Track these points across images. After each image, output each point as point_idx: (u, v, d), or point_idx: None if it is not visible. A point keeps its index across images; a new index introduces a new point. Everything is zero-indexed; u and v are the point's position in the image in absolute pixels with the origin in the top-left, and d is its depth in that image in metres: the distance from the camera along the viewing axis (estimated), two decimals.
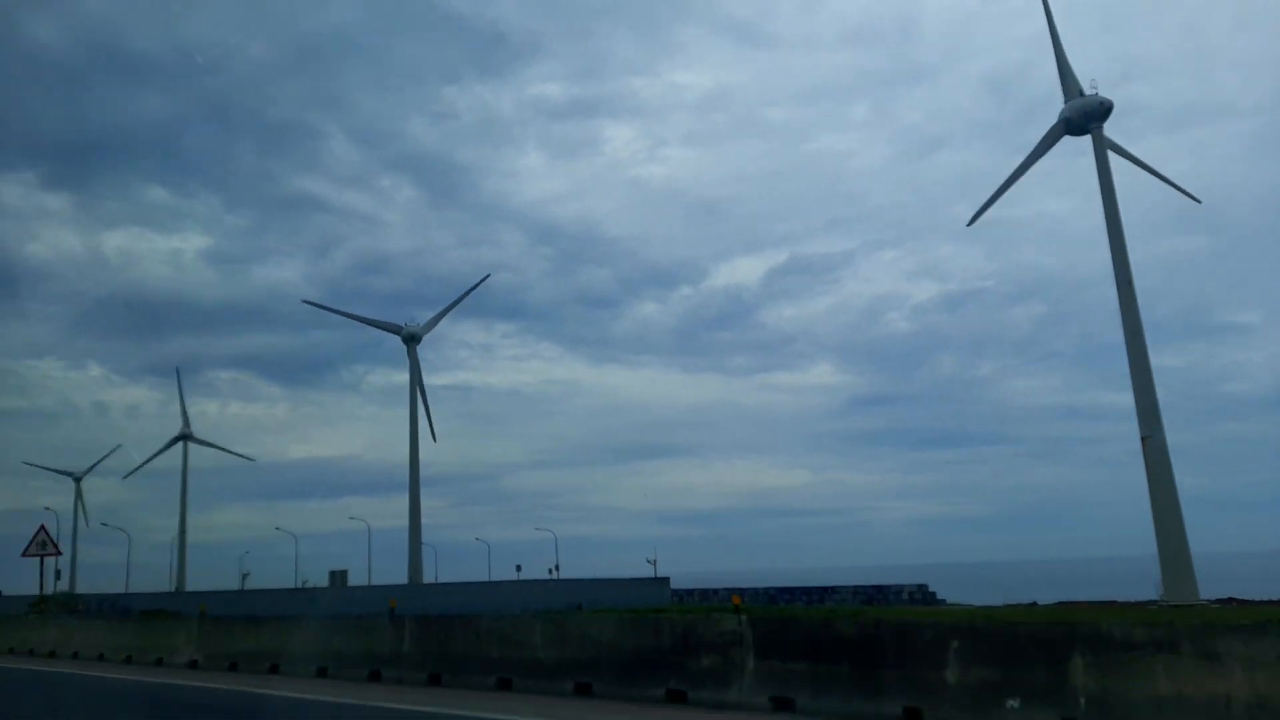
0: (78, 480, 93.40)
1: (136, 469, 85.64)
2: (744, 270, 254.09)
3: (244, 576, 66.50)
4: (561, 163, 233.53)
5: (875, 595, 47.95)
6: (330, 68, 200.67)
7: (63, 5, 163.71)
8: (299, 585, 61.94)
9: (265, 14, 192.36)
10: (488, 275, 73.92)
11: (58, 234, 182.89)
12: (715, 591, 54.13)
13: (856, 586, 50.01)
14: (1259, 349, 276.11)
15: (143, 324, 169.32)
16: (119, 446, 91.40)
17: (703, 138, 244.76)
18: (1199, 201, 51.39)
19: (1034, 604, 39.41)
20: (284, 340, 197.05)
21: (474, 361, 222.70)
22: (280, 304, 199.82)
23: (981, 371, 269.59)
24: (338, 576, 56.70)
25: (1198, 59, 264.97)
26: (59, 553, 32.08)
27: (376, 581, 67.52)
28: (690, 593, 53.43)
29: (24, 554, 28.67)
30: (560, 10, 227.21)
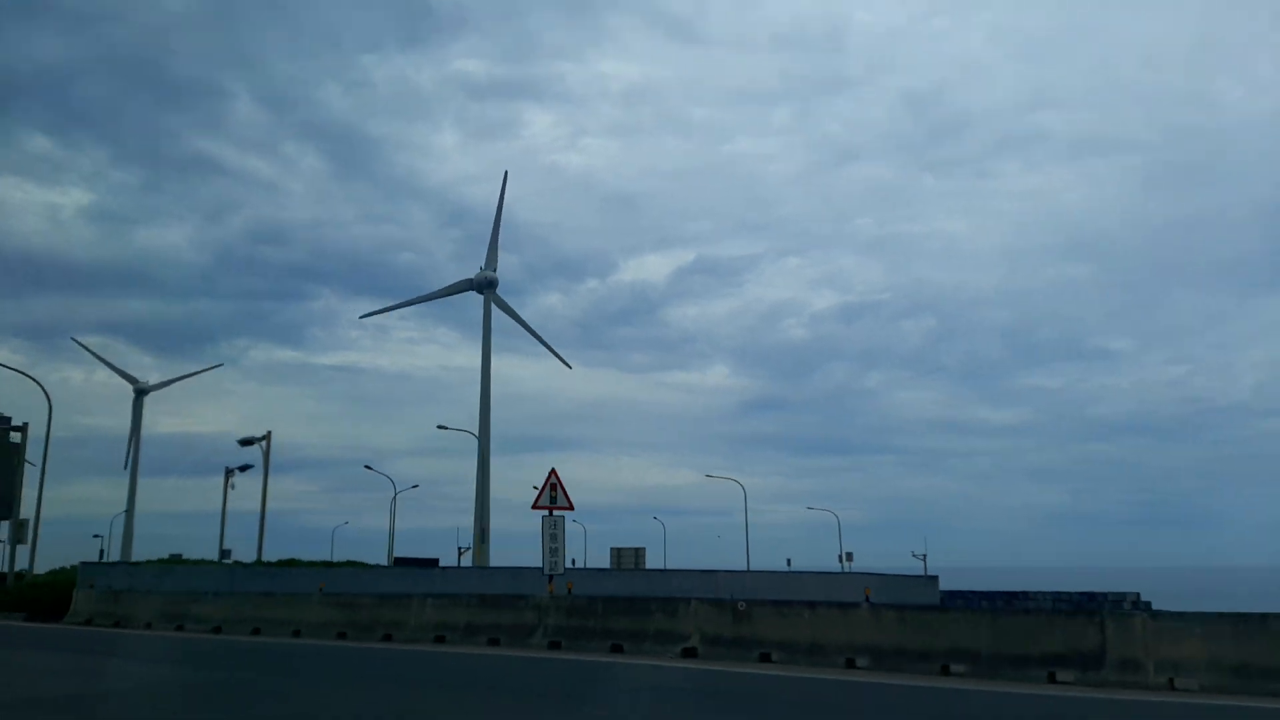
0: None
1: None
2: (652, 267, 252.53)
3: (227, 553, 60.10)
4: (478, 143, 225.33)
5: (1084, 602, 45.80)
6: (243, 25, 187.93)
7: None
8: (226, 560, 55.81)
9: None
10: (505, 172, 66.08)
11: None
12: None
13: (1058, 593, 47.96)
14: (1126, 375, 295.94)
15: (9, 281, 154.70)
16: None
17: (624, 130, 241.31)
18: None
19: None
20: (164, 307, 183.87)
21: (365, 342, 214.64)
22: (164, 268, 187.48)
23: (870, 382, 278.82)
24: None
25: (1105, 92, 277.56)
26: None
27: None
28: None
29: None
30: None
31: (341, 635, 19.43)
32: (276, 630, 20.61)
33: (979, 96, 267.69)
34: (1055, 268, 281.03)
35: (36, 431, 32.80)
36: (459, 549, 69.05)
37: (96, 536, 78.91)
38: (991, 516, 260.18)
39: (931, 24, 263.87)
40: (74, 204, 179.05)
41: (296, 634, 20.18)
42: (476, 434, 48.73)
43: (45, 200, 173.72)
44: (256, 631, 20.92)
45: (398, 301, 62.02)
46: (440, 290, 61.59)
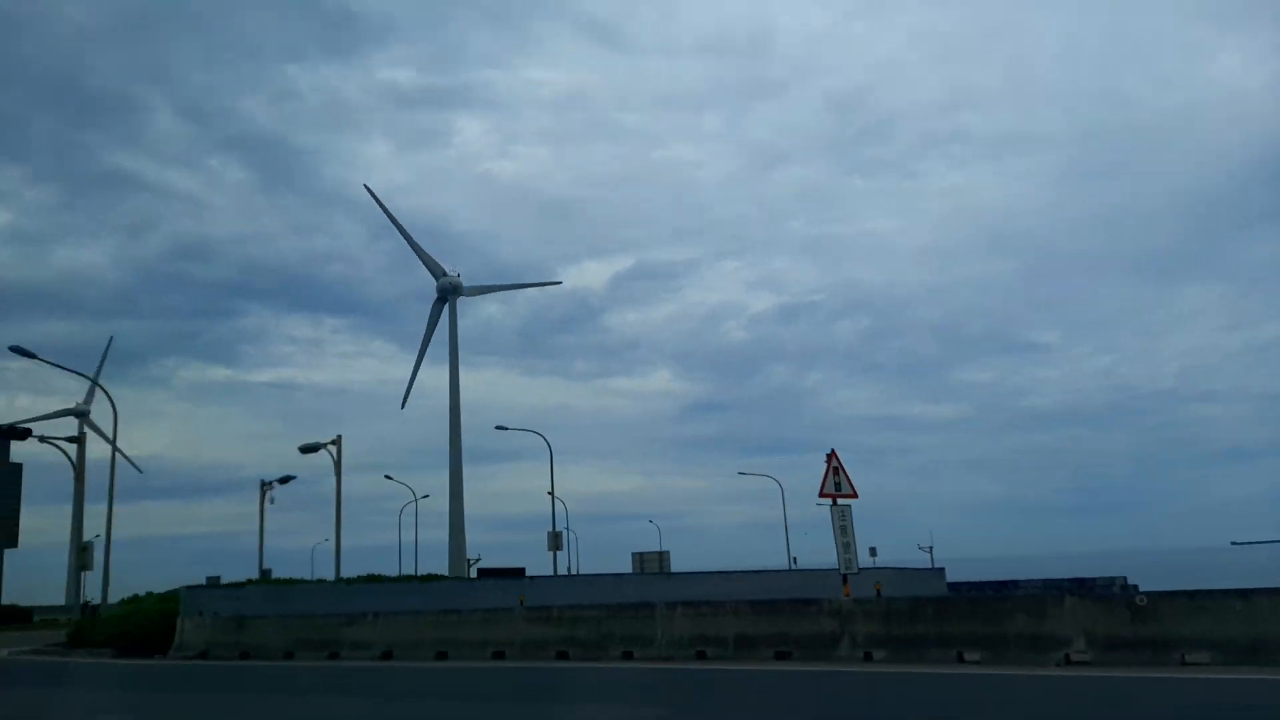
0: None
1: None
2: (591, 274, 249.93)
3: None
4: (409, 153, 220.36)
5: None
6: (159, 36, 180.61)
7: None
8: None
9: None
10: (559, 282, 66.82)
11: None
12: None
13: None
14: (1056, 366, 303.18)
15: None
16: None
17: (556, 136, 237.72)
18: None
19: None
20: (85, 328, 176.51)
21: (299, 358, 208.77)
22: (84, 288, 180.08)
23: (809, 381, 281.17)
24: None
25: (1022, 91, 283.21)
26: None
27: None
28: None
29: None
30: None
31: (562, 655, 16.58)
32: (468, 653, 17.68)
33: (902, 97, 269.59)
34: (981, 264, 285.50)
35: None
36: (468, 560, 65.99)
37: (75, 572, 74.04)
38: (930, 510, 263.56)
39: (853, 27, 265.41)
40: None
41: (499, 655, 17.28)
42: (538, 433, 45.78)
43: None
44: (442, 655, 17.97)
45: (393, 218, 62.07)
46: (423, 251, 61.69)
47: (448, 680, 14.67)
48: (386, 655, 18.73)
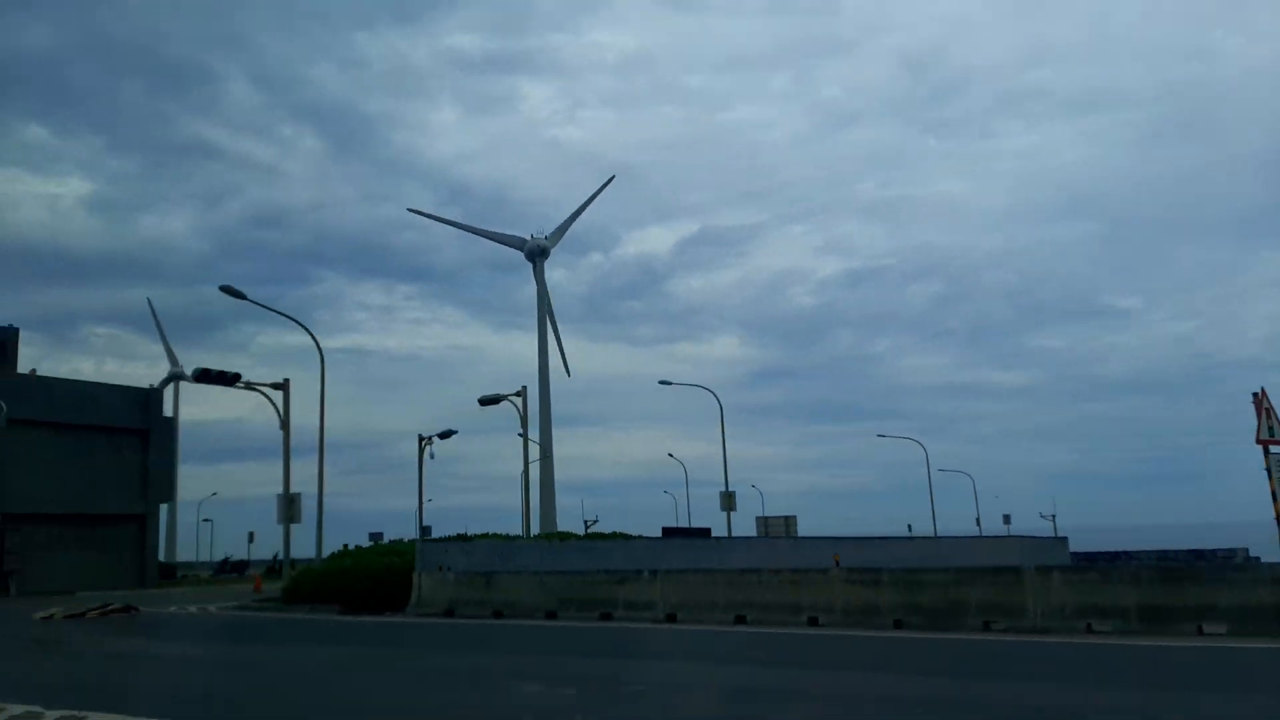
0: None
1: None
2: (655, 239, 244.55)
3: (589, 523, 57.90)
4: (475, 119, 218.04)
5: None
6: (233, 5, 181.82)
7: None
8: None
9: None
10: (612, 176, 64.95)
11: None
12: None
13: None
14: (1133, 333, 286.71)
15: (10, 273, 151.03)
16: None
17: (621, 100, 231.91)
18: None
19: None
20: (169, 295, 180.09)
21: (371, 324, 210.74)
22: (166, 256, 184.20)
23: (878, 348, 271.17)
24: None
25: (1104, 47, 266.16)
26: None
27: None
28: None
29: None
30: None
31: (899, 624, 14.61)
32: (773, 618, 15.88)
33: (977, 54, 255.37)
34: (1059, 226, 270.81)
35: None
36: (584, 521, 65.08)
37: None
38: (997, 478, 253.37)
39: None
40: (73, 194, 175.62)
41: (813, 622, 15.42)
42: (706, 387, 43.98)
43: (44, 191, 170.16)
44: (740, 620, 16.21)
45: (450, 220, 63.88)
46: (493, 233, 61.89)
47: (818, 647, 12.84)
48: (670, 618, 17.09)
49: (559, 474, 59.47)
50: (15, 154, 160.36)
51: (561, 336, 61.84)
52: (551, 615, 18.76)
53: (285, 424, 27.55)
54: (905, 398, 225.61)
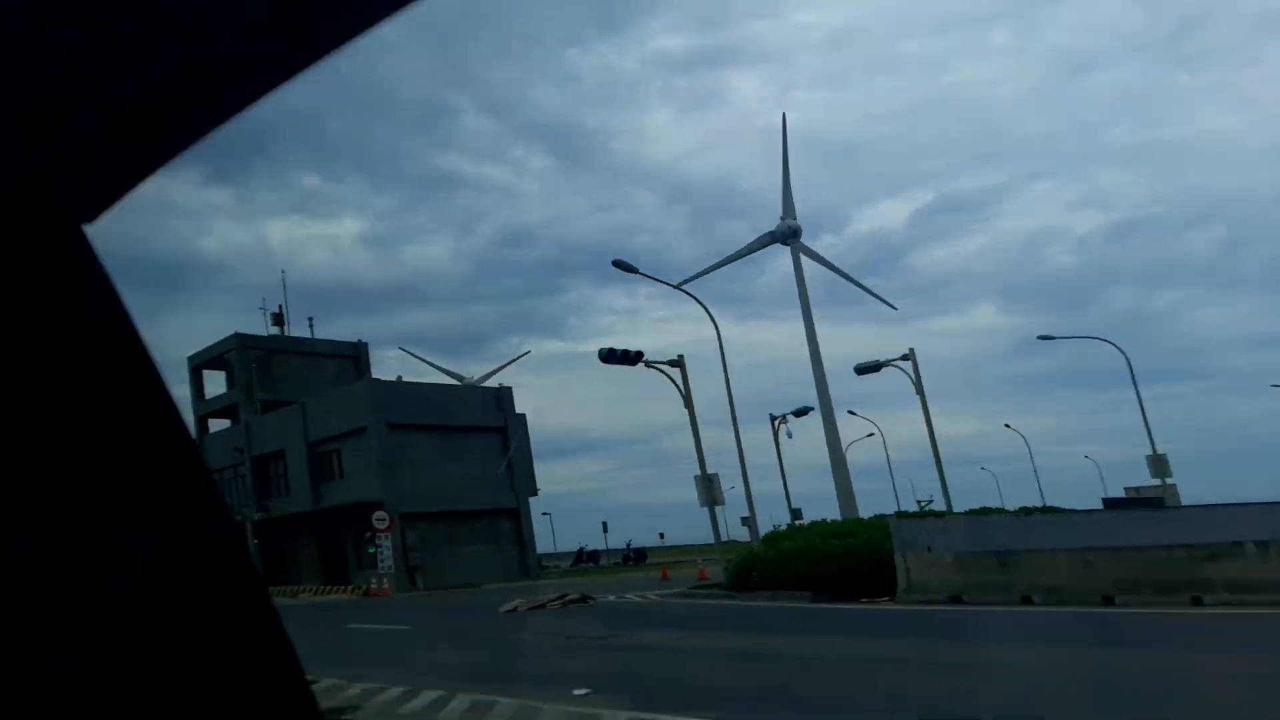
0: None
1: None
2: (887, 213, 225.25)
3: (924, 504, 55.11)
4: (689, 117, 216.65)
5: None
6: (454, 40, 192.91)
7: None
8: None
9: None
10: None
11: (225, 227, 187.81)
12: None
13: None
14: None
15: (311, 310, 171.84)
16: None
17: (832, 78, 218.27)
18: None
19: None
20: (439, 316, 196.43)
21: (620, 326, 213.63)
22: (429, 282, 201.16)
23: (1161, 303, 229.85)
24: None
25: None
26: None
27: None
28: None
29: None
30: None
31: None
32: None
33: None
34: None
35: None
36: (918, 502, 59.60)
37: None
38: None
39: None
40: (348, 233, 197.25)
41: None
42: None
43: (324, 233, 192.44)
44: None
45: (711, 264, 60.69)
46: (747, 247, 59.63)
47: None
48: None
49: (813, 460, 55.40)
50: (297, 202, 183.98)
51: (797, 316, 58.42)
52: (1108, 600, 15.17)
53: (688, 399, 25.97)
54: (1203, 355, 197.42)
